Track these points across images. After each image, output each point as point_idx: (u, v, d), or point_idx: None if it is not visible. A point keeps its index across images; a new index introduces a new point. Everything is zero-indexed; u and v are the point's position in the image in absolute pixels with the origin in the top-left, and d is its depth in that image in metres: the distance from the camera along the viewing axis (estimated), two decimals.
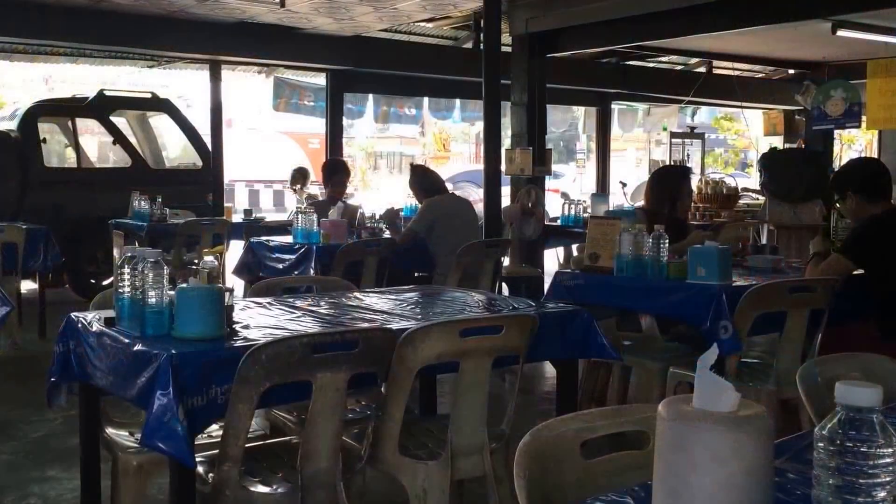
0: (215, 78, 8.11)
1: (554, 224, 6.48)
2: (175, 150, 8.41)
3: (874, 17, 6.44)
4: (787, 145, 10.57)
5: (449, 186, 5.11)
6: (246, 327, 2.07)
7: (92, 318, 2.10)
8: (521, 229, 6.14)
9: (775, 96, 10.62)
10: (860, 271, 3.00)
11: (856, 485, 0.85)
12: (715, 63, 9.74)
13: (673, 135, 10.82)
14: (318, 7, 6.86)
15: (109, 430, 2.24)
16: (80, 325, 2.11)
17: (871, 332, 2.95)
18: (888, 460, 0.85)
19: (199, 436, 1.88)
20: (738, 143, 16.95)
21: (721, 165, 17.83)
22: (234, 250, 5.89)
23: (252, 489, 1.87)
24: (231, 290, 2.08)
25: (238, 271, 4.77)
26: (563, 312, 2.44)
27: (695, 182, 6.74)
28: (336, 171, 5.40)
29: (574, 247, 5.14)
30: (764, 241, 6.41)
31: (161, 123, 7.95)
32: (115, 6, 6.82)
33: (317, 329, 2.13)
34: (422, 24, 7.83)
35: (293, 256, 4.34)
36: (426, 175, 4.89)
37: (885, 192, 3.08)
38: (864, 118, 7.60)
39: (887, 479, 0.85)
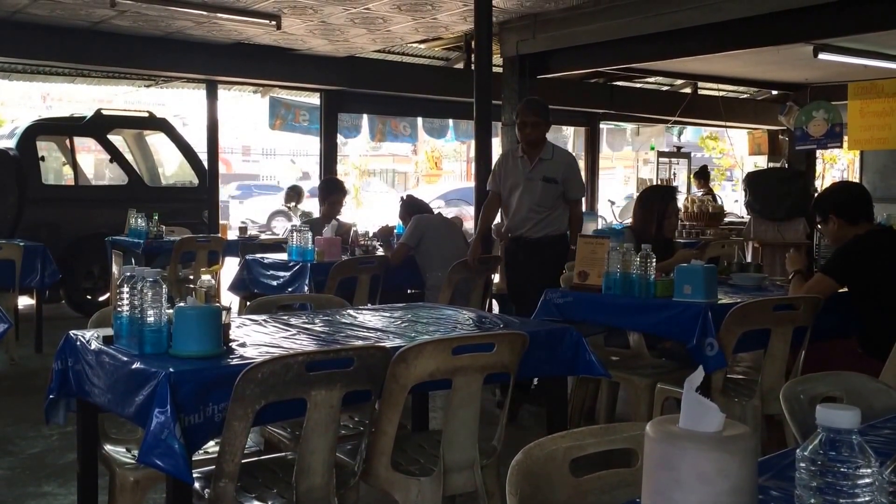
0: (212, 97, 8.20)
1: None
2: (171, 167, 8.48)
3: (854, 40, 6.60)
4: (770, 164, 10.72)
5: (441, 203, 5.24)
6: (242, 345, 2.11)
7: (90, 336, 2.13)
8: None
9: (759, 117, 10.80)
10: (844, 289, 3.07)
11: None
12: (700, 84, 9.93)
13: (660, 154, 10.99)
14: (313, 29, 6.97)
15: (107, 447, 2.27)
16: (78, 343, 2.14)
17: (853, 349, 3.01)
18: (867, 480, 0.87)
19: (196, 452, 1.91)
20: (724, 161, 17.17)
21: None
22: (230, 267, 5.94)
23: None
24: (228, 309, 2.12)
25: (233, 288, 4.82)
26: (553, 330, 2.49)
27: (681, 201, 6.83)
28: (333, 191, 5.47)
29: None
30: (748, 259, 6.49)
31: (158, 142, 8.02)
32: (114, 27, 6.91)
33: (312, 347, 2.17)
34: (414, 45, 7.95)
35: (288, 274, 4.39)
36: (413, 201, 5.15)
37: (866, 214, 3.15)
38: (845, 138, 7.75)
39: (867, 498, 0.87)
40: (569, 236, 4.14)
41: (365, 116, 9.44)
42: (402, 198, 5.30)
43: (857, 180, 9.67)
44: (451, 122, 10.03)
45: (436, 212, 5.49)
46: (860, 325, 3.05)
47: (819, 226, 3.31)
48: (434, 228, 4.67)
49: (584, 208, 10.48)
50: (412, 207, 4.94)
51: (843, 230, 3.10)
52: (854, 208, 3.12)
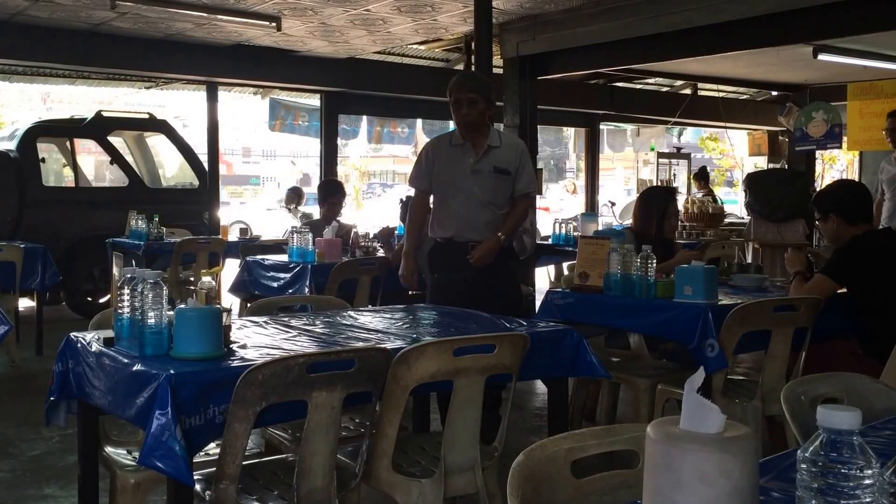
0: (212, 99, 8.21)
1: (545, 243, 6.56)
2: (172, 169, 8.50)
3: (853, 41, 6.61)
4: (770, 165, 10.74)
5: None
6: (243, 347, 2.11)
7: (91, 338, 2.12)
8: (520, 247, 6.20)
9: (759, 117, 10.83)
10: (844, 290, 3.07)
11: None
12: (700, 85, 9.94)
13: (660, 154, 11.01)
14: (313, 31, 6.97)
15: (108, 449, 2.27)
16: (79, 345, 2.14)
17: (853, 350, 3.01)
18: (869, 481, 0.87)
19: (197, 454, 1.91)
20: (724, 162, 17.20)
21: None
22: (231, 269, 5.94)
23: None
24: (228, 311, 2.12)
25: (234, 289, 4.82)
26: (554, 331, 2.49)
27: (681, 201, 6.84)
28: (332, 192, 5.47)
29: (565, 265, 5.20)
30: (748, 259, 6.49)
31: (158, 143, 8.03)
32: (114, 29, 6.92)
33: (312, 348, 2.17)
34: (414, 46, 7.96)
35: (288, 275, 4.39)
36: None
37: (866, 214, 3.15)
38: (845, 139, 7.76)
39: (868, 499, 0.87)
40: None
41: (364, 118, 9.44)
42: (402, 199, 5.29)
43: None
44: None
45: None
46: (860, 326, 3.05)
47: (818, 223, 3.31)
48: None
49: (584, 209, 10.42)
50: None
51: (842, 229, 3.10)
52: (855, 207, 3.12)
